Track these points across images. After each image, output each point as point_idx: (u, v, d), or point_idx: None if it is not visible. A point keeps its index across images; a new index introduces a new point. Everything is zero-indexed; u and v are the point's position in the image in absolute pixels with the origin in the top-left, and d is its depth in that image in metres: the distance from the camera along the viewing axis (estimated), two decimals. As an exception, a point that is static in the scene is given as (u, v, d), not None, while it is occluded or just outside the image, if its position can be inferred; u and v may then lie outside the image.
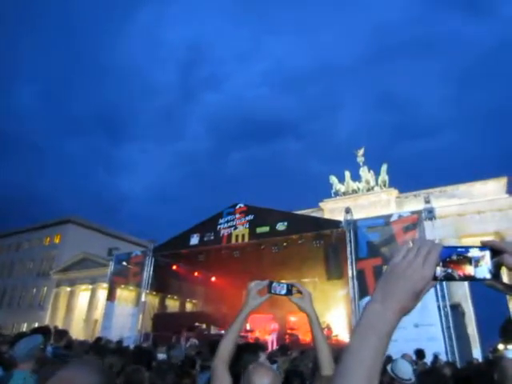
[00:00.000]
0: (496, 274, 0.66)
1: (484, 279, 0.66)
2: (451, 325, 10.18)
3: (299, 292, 1.69)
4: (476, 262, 0.66)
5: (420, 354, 7.88)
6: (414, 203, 21.95)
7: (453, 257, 0.67)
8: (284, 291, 1.69)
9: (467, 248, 0.68)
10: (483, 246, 0.68)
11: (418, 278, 0.66)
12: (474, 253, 0.67)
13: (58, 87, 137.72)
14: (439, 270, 0.67)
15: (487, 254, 0.67)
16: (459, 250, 0.68)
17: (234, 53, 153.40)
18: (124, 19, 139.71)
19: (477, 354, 14.33)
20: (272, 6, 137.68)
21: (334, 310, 17.07)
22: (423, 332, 9.86)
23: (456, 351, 9.84)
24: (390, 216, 12.26)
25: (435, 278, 0.67)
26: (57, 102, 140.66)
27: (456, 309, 12.19)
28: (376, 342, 0.65)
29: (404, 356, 7.09)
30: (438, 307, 10.22)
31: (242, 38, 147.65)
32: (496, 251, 0.67)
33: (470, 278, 0.66)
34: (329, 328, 15.64)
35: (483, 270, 0.66)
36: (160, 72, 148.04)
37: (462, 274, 0.67)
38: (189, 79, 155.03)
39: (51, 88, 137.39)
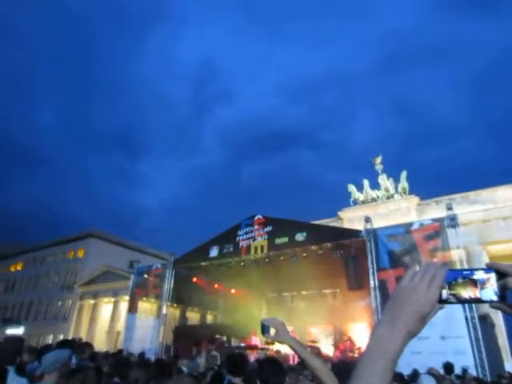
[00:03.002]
0: (502, 296, 0.67)
1: (490, 301, 0.67)
2: (480, 337, 9.70)
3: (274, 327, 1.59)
4: (482, 284, 0.68)
5: (448, 368, 7.51)
6: (435, 210, 21.38)
7: (458, 279, 0.69)
8: (264, 333, 1.62)
9: (472, 270, 0.69)
10: (488, 268, 0.69)
11: (423, 301, 0.68)
12: (479, 275, 0.68)
13: (78, 105, 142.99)
14: (445, 293, 0.68)
15: (493, 276, 0.68)
16: (464, 272, 0.70)
17: (246, 65, 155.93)
18: (139, 39, 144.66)
19: (509, 367, 13.67)
20: (282, 18, 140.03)
21: (355, 321, 16.71)
22: (450, 345, 9.48)
23: (486, 365, 9.37)
24: (410, 224, 11.99)
25: (441, 301, 0.68)
26: (76, 120, 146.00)
27: (485, 320, 11.67)
28: (382, 366, 0.66)
29: (430, 370, 6.76)
30: (466, 318, 9.80)
31: (254, 50, 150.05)
32: (501, 274, 0.68)
33: (477, 301, 0.68)
34: (351, 340, 15.31)
35: (489, 293, 0.67)
36: (174, 88, 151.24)
37: (467, 296, 0.68)
38: (202, 94, 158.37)
39: (71, 106, 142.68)
